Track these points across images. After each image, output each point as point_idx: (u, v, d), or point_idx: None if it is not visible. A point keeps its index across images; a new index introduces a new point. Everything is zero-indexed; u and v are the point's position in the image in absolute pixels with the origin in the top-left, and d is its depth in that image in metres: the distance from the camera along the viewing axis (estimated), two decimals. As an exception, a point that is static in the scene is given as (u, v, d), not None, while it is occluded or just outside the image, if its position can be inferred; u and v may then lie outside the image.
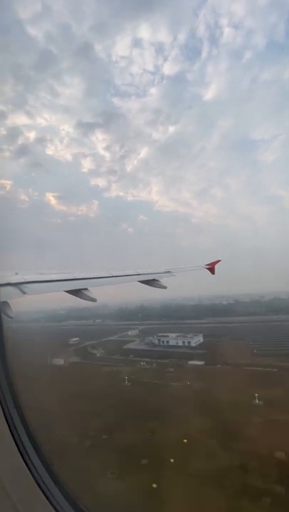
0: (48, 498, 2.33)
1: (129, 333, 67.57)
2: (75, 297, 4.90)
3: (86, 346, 59.19)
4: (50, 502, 2.29)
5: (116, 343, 60.94)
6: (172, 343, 56.16)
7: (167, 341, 57.02)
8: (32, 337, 61.71)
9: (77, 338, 62.36)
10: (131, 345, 58.35)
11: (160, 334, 60.28)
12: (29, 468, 2.36)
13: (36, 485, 2.32)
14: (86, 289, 4.98)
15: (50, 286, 4.65)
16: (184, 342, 55.49)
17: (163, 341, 57.26)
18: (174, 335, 58.91)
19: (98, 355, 53.50)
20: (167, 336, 58.55)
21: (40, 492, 2.35)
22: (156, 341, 57.82)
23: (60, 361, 49.04)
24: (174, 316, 79.64)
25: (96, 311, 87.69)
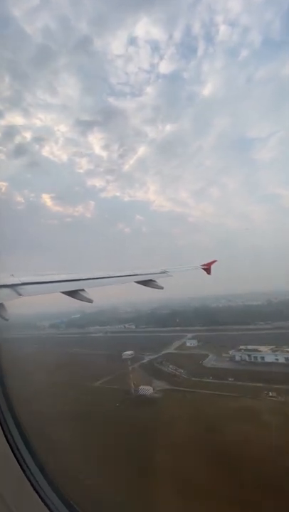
0: (43, 500, 2.35)
1: (188, 344, 53.80)
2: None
3: (151, 363, 45.53)
4: (45, 503, 2.31)
5: (184, 358, 45.95)
6: (269, 359, 42.22)
7: (262, 357, 42.93)
8: (70, 349, 52.31)
9: (131, 352, 48.95)
10: (213, 363, 44.39)
11: (242, 347, 46.02)
12: (23, 471, 2.39)
13: (31, 486, 2.34)
14: (82, 289, 4.99)
15: (46, 288, 4.67)
16: (287, 359, 41.49)
17: (255, 357, 43.50)
18: (265, 348, 44.73)
19: (179, 376, 40.68)
20: (259, 351, 44.43)
21: (36, 495, 2.37)
22: (246, 357, 44.37)
23: (148, 390, 35.07)
24: (215, 321, 63.46)
25: (112, 314, 76.47)
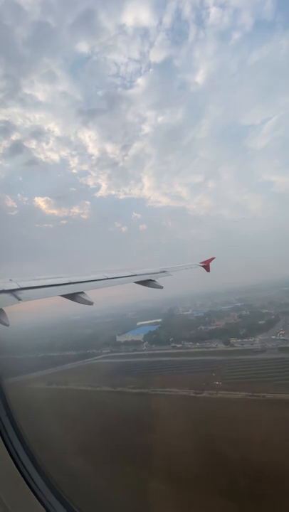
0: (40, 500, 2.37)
1: None
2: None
3: None
4: (42, 504, 2.33)
5: None
6: None
7: None
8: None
9: None
10: None
11: None
12: (19, 469, 2.39)
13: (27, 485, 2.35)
14: (82, 292, 5.00)
15: (45, 292, 4.66)
16: None
17: None
18: None
19: None
20: None
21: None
22: None
23: None
24: None
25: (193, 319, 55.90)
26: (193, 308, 63.75)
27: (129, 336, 50.32)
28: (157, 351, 45.32)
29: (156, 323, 55.15)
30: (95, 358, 44.33)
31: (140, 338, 49.18)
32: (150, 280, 6.49)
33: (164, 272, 7.19)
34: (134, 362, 42.47)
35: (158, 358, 42.62)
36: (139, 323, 56.07)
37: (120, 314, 62.89)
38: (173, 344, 45.89)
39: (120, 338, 49.76)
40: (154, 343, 48.04)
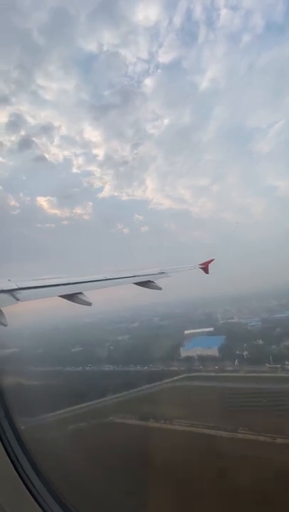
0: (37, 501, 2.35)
1: None
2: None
3: None
4: (42, 509, 2.31)
5: None
6: None
7: None
8: None
9: None
10: None
11: None
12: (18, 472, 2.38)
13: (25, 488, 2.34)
14: (81, 293, 4.98)
15: (43, 292, 4.64)
16: None
17: None
18: None
19: None
20: None
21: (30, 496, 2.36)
22: None
23: None
24: None
25: None
26: (234, 315, 51.73)
27: (198, 350, 40.18)
28: (263, 374, 31.71)
29: (210, 333, 45.63)
30: (174, 378, 33.48)
31: (214, 352, 39.07)
32: (149, 281, 6.48)
33: (162, 273, 7.18)
34: (239, 389, 28.00)
35: (271, 385, 28.20)
36: (187, 332, 45.81)
37: (146, 319, 52.47)
38: (274, 364, 33.21)
39: (187, 353, 40.35)
40: (237, 360, 36.89)
